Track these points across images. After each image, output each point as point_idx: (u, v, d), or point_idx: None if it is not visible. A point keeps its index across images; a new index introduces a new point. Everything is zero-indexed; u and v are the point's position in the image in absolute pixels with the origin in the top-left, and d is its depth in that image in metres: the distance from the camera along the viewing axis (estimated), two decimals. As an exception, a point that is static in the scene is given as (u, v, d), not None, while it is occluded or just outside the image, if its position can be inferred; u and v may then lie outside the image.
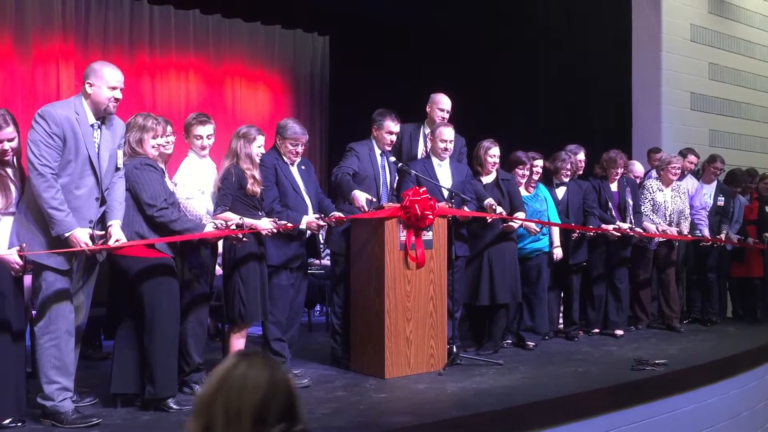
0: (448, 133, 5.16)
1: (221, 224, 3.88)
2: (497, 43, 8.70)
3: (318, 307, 7.58)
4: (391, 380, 4.44)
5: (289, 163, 4.54)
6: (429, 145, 5.32)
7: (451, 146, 5.19)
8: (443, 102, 5.45)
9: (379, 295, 4.53)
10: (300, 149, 4.55)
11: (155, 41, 9.31)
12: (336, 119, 10.68)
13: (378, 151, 5.01)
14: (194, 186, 4.10)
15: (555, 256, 5.80)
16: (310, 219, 4.42)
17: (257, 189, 4.14)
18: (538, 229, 5.51)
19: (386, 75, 9.14)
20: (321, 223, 4.51)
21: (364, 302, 4.68)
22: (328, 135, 10.85)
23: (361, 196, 4.65)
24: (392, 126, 4.97)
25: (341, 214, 4.58)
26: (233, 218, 3.99)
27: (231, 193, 4.07)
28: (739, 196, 7.20)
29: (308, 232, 4.51)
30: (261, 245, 4.18)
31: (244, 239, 3.97)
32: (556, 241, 5.83)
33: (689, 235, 6.51)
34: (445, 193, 5.01)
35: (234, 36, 10.01)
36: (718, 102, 8.62)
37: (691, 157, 6.96)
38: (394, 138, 5.02)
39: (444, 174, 5.19)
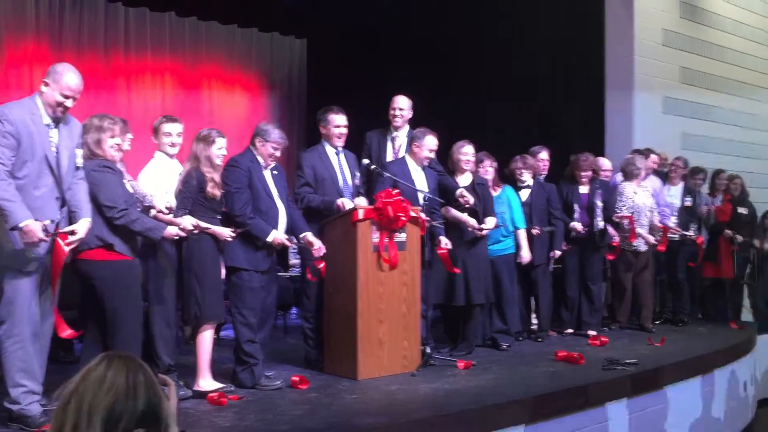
0: (435, 142, 5.23)
1: (183, 225, 3.87)
2: (472, 47, 8.76)
3: (294, 310, 7.57)
4: (364, 382, 4.45)
5: (263, 166, 4.53)
6: (398, 147, 5.38)
7: (434, 156, 5.29)
8: (397, 101, 5.53)
9: (352, 297, 4.53)
10: (278, 154, 4.55)
11: (130, 43, 9.25)
12: (314, 123, 10.63)
13: (332, 151, 5.01)
14: (158, 185, 4.08)
15: (522, 260, 5.84)
16: (279, 236, 4.39)
17: (217, 192, 4.13)
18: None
19: (364, 79, 9.16)
20: (287, 243, 4.51)
21: (336, 304, 4.69)
22: (306, 139, 10.83)
23: (347, 203, 4.73)
24: (337, 119, 4.97)
25: (311, 238, 4.55)
26: (191, 221, 3.96)
27: (191, 196, 4.06)
28: (702, 193, 7.30)
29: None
30: (218, 245, 4.16)
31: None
32: (523, 244, 5.87)
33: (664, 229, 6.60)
34: (420, 196, 5.05)
35: (210, 39, 9.98)
36: (689, 105, 8.74)
37: (654, 157, 7.03)
38: (343, 131, 4.99)
39: (419, 177, 5.23)
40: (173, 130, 4.20)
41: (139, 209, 3.90)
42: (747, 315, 8.19)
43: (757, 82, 9.81)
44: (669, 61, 8.55)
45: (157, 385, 1.55)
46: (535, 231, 5.93)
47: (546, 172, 6.44)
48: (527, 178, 6.10)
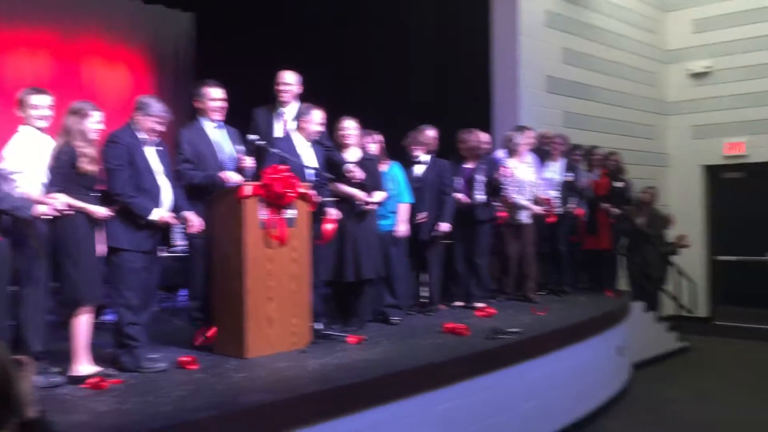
0: (321, 117, 5.21)
1: (54, 203, 3.68)
2: (361, 24, 8.76)
3: (183, 292, 7.37)
4: (253, 360, 4.39)
5: (146, 142, 4.35)
6: (286, 123, 5.31)
7: (322, 131, 5.27)
8: (283, 76, 5.48)
9: (239, 275, 4.45)
10: (162, 129, 4.39)
11: (0, 13, 8.66)
12: (201, 100, 10.35)
13: (210, 125, 4.90)
14: (24, 160, 3.85)
15: (398, 233, 5.83)
16: (162, 214, 4.25)
17: (91, 168, 3.94)
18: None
19: (255, 55, 8.96)
20: (172, 221, 4.37)
21: (223, 283, 4.59)
22: (191, 117, 10.51)
23: (231, 176, 4.64)
24: (213, 92, 4.87)
25: (190, 215, 4.45)
26: (63, 200, 3.77)
27: (63, 172, 3.86)
28: (581, 168, 7.65)
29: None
30: (93, 225, 3.99)
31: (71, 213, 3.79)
32: (402, 218, 5.88)
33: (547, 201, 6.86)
34: (310, 173, 5.02)
35: (89, 10, 9.48)
36: (571, 85, 9.10)
37: (529, 133, 7.28)
38: (219, 104, 4.89)
39: (308, 153, 5.19)
40: (42, 102, 3.97)
41: (5, 187, 3.68)
42: (624, 284, 8.69)
43: (634, 64, 10.34)
44: (552, 42, 8.86)
45: (9, 365, 1.49)
46: (420, 217, 6.02)
47: (436, 149, 6.55)
48: (421, 154, 6.19)
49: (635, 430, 5.94)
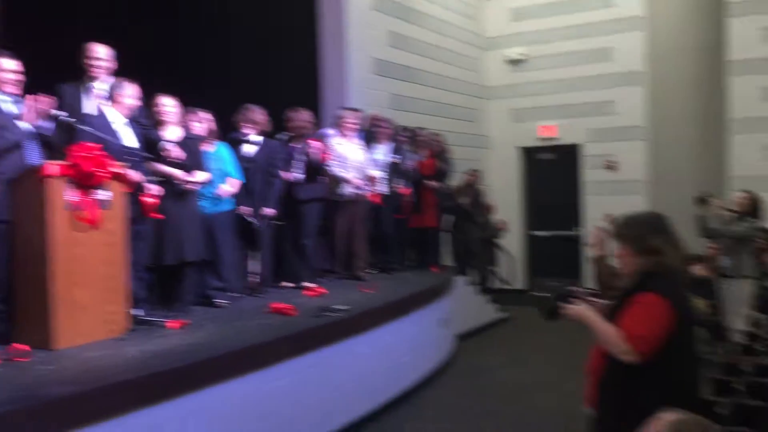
0: (136, 93, 4.92)
1: None
2: (186, 3, 8.42)
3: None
4: (62, 351, 4.09)
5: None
6: (96, 100, 5.02)
7: (138, 108, 5.02)
8: (94, 50, 5.14)
9: (44, 260, 4.12)
10: None
11: None
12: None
13: (5, 99, 4.48)
14: None
15: (219, 191, 5.67)
16: None
17: None
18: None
19: (67, 27, 8.31)
20: None
21: (27, 268, 4.23)
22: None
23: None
24: (4, 63, 4.42)
25: None
26: None
27: None
28: (406, 149, 7.88)
29: None
30: None
31: None
32: (228, 187, 5.73)
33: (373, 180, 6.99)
34: (127, 151, 4.75)
35: None
36: (397, 68, 9.31)
37: (356, 114, 7.36)
38: (12, 76, 4.46)
39: (124, 131, 4.91)
40: None
41: None
42: (449, 260, 9.09)
43: (456, 49, 10.78)
44: (379, 25, 9.00)
45: None
46: (244, 210, 5.92)
47: (267, 130, 6.45)
48: (251, 133, 6.09)
49: (456, 398, 6.24)
